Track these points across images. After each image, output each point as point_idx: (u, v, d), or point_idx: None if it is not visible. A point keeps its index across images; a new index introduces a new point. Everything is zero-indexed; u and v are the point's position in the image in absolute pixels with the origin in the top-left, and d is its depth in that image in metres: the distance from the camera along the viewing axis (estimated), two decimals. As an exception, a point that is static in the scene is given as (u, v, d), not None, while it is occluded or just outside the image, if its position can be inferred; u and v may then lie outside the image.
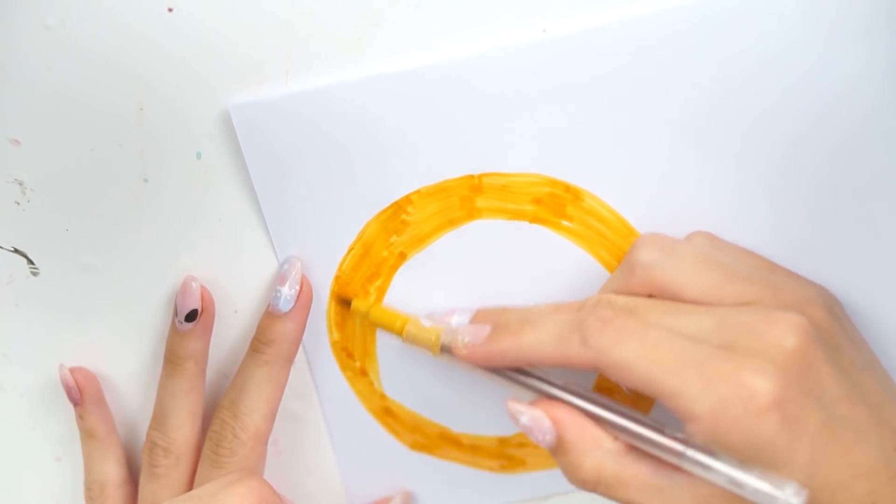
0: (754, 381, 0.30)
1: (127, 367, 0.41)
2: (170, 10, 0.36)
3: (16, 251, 0.40)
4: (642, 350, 0.31)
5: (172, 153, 0.38)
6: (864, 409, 0.32)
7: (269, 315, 0.39)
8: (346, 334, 0.40)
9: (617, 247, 0.38)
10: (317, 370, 0.41)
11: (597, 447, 0.33)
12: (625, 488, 0.33)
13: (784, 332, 0.31)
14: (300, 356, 0.41)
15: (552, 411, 0.34)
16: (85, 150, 0.38)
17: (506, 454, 0.41)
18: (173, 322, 0.39)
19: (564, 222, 0.38)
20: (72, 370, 0.41)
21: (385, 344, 0.40)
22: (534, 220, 0.38)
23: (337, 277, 0.39)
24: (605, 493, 0.33)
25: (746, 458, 0.30)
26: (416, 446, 0.41)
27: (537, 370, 0.35)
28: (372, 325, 0.39)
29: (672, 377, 0.31)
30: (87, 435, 0.41)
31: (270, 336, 0.38)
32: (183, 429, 0.39)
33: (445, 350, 0.36)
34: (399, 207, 0.38)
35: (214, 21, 0.36)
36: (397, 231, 0.39)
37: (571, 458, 0.33)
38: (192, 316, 0.39)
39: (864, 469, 0.31)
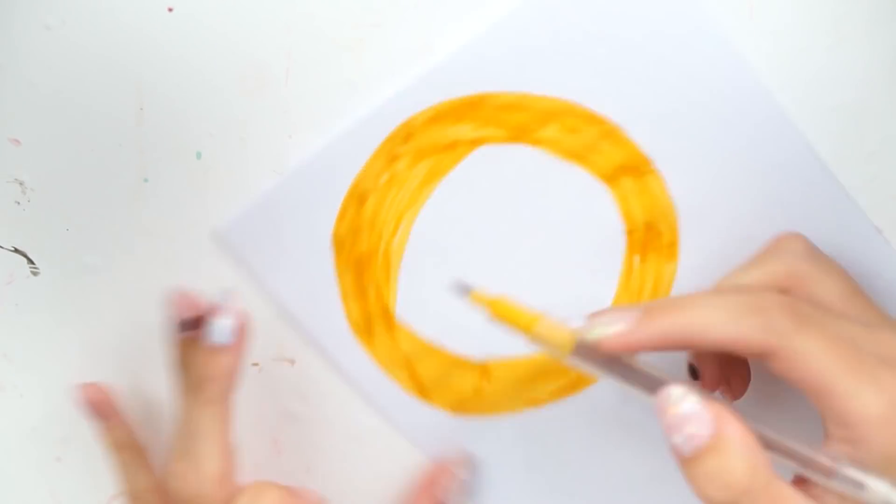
0: None
1: (127, 367, 0.41)
2: (170, 10, 0.36)
3: (16, 251, 0.40)
4: (824, 344, 0.31)
5: (172, 153, 0.38)
6: None
7: (207, 350, 0.36)
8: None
9: (588, 141, 0.37)
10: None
11: (755, 451, 0.30)
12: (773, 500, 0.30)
13: None
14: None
15: (711, 405, 0.30)
16: (85, 150, 0.38)
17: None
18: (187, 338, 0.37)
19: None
20: (87, 387, 0.40)
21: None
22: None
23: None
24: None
25: None
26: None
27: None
28: (493, 320, 0.35)
29: (848, 377, 0.30)
30: (119, 447, 0.41)
31: (210, 372, 0.36)
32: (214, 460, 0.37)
33: (580, 349, 0.32)
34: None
35: (214, 21, 0.36)
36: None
37: (725, 457, 0.30)
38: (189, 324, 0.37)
39: None
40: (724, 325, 0.31)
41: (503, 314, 0.33)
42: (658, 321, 0.32)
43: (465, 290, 0.34)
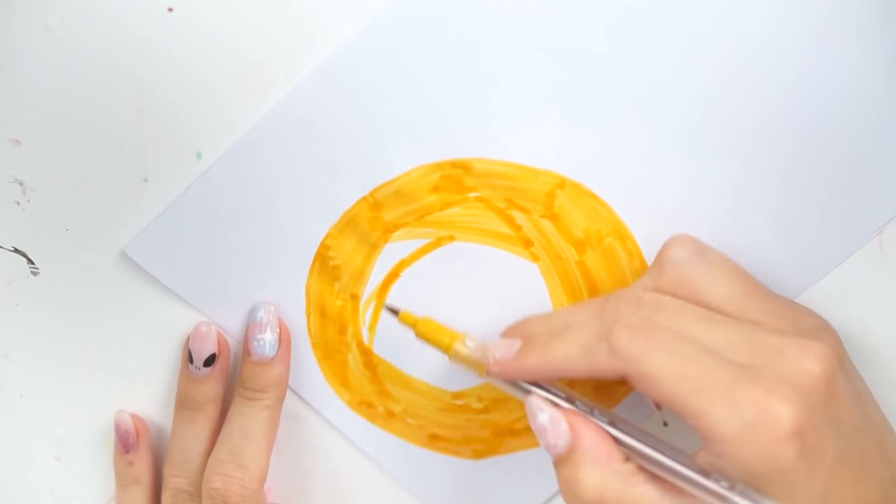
0: (780, 408, 0.30)
1: (127, 366, 0.41)
2: (170, 10, 0.36)
3: (16, 251, 0.40)
4: (671, 365, 0.31)
5: (172, 153, 0.38)
6: (871, 439, 0.32)
7: (256, 364, 0.39)
8: (354, 388, 0.40)
9: (531, 191, 0.37)
10: (347, 431, 0.41)
11: (606, 464, 0.32)
12: None
13: (812, 360, 0.31)
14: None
15: (571, 417, 0.33)
16: (85, 150, 0.38)
17: None
18: (186, 368, 0.39)
19: (472, 194, 0.38)
20: (126, 415, 0.41)
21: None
22: (442, 206, 0.38)
23: (314, 345, 0.40)
24: None
25: (764, 482, 0.30)
26: (478, 454, 0.41)
27: (572, 392, 0.35)
28: (419, 339, 0.37)
29: (699, 397, 0.30)
30: (132, 482, 0.41)
31: (264, 383, 0.39)
32: None
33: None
34: (322, 257, 0.39)
35: (214, 21, 0.36)
36: (335, 278, 0.39)
37: (576, 470, 0.32)
38: (210, 361, 0.39)
39: (868, 501, 0.31)
40: (578, 359, 0.33)
41: (426, 334, 0.36)
42: (528, 359, 0.34)
43: (394, 312, 0.37)
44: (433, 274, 0.39)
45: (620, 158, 0.36)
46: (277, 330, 0.39)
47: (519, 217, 0.38)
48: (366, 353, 0.40)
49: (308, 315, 0.40)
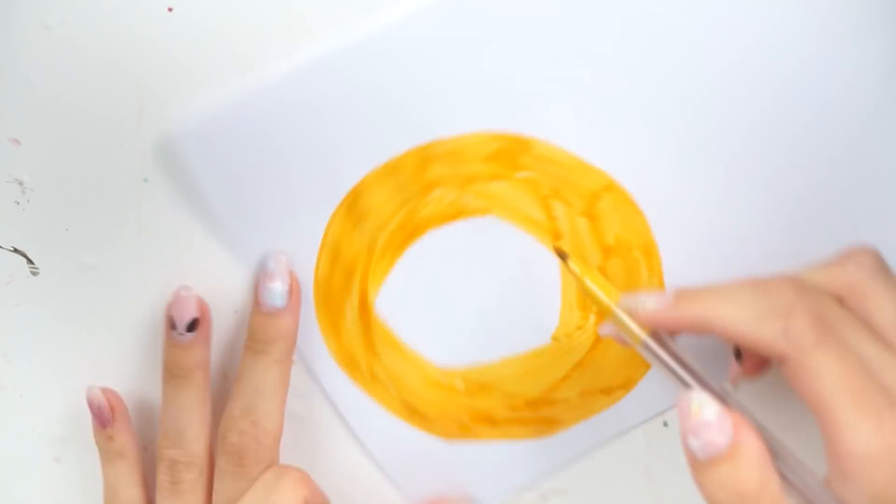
0: None
1: (127, 368, 0.41)
2: (170, 10, 0.36)
3: (16, 251, 0.40)
4: (839, 367, 0.30)
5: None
6: None
7: (265, 314, 0.38)
8: (344, 340, 0.40)
9: (579, 187, 0.37)
10: (327, 385, 0.40)
11: (767, 464, 0.31)
12: None
13: None
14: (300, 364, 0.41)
15: (731, 413, 0.32)
16: (85, 150, 0.38)
17: (539, 417, 0.41)
18: (169, 335, 0.39)
19: (522, 174, 0.37)
20: (97, 389, 0.40)
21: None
22: (489, 178, 0.37)
23: (316, 285, 0.39)
24: None
25: None
26: (450, 435, 0.40)
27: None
28: (581, 289, 0.36)
29: (852, 409, 0.30)
30: (116, 456, 0.41)
31: (272, 335, 0.38)
32: (201, 440, 0.39)
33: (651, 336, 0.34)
34: (354, 196, 0.38)
35: (214, 21, 0.36)
36: (360, 221, 0.38)
37: (738, 467, 0.31)
38: (192, 325, 0.38)
39: None
40: (745, 324, 0.32)
41: (597, 282, 0.34)
42: (688, 307, 0.33)
43: (562, 256, 0.35)
44: (456, 240, 0.38)
45: (672, 177, 0.37)
46: (288, 280, 0.38)
47: (558, 208, 0.37)
48: (365, 305, 0.39)
49: (319, 254, 0.39)
